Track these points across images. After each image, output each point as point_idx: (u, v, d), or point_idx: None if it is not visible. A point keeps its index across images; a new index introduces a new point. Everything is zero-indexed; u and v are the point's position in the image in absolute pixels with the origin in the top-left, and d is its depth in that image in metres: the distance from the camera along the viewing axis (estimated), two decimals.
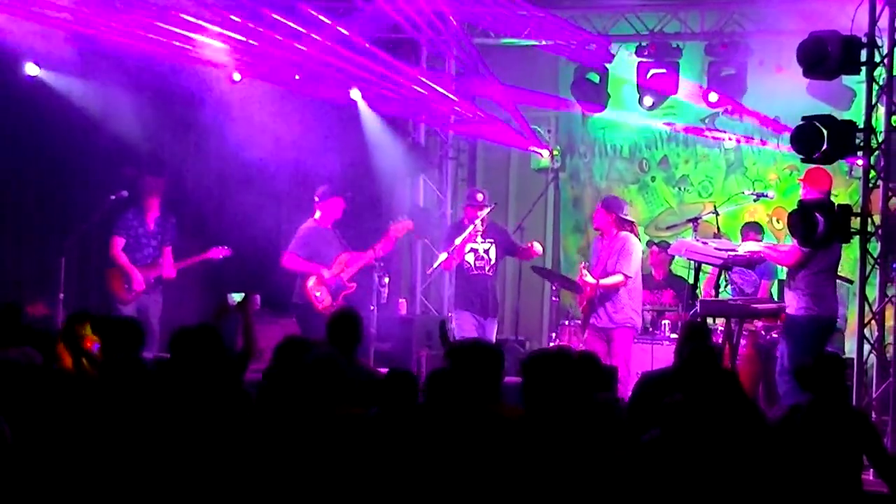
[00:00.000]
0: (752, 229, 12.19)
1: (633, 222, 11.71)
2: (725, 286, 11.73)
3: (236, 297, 8.00)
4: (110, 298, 12.22)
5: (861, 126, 9.45)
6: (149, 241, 12.28)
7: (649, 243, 13.53)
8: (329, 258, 11.89)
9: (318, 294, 11.79)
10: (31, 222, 13.18)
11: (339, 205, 12.10)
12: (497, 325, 12.10)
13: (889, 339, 9.85)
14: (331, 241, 12.05)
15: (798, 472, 6.01)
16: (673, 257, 12.61)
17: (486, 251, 11.90)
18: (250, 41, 12.45)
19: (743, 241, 11.77)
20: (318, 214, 12.04)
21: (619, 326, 11.36)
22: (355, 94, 13.86)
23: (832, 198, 9.84)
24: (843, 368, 7.38)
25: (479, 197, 12.02)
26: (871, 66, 9.50)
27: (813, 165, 9.79)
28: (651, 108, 13.65)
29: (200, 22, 12.12)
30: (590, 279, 11.29)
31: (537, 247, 11.91)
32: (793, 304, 10.08)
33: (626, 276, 11.30)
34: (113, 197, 12.16)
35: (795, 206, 9.61)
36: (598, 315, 11.45)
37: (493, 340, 11.52)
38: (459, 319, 11.93)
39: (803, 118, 9.50)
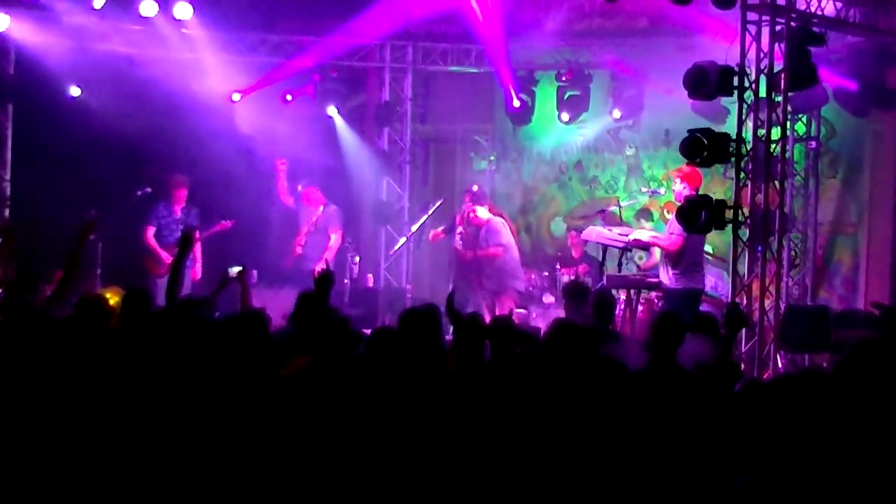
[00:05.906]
0: (643, 215, 13.06)
1: (501, 213, 12.41)
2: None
3: (234, 270, 7.95)
4: (147, 275, 12.49)
5: (734, 137, 9.89)
6: (177, 227, 12.47)
7: (569, 228, 14.14)
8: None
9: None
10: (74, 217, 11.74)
11: (314, 192, 13.42)
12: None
13: (754, 305, 10.15)
14: (305, 219, 13.43)
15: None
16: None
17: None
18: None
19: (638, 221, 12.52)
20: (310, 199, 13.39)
21: (505, 290, 11.99)
22: (332, 110, 14.63)
23: (711, 194, 10.14)
24: None
25: (475, 188, 12.73)
26: (742, 89, 9.88)
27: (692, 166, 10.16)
28: (568, 122, 14.10)
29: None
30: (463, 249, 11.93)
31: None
32: (670, 280, 10.35)
33: (503, 246, 11.92)
34: (139, 193, 12.57)
35: (683, 202, 10.01)
36: (489, 277, 12.01)
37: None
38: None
39: (689, 131, 9.87)
